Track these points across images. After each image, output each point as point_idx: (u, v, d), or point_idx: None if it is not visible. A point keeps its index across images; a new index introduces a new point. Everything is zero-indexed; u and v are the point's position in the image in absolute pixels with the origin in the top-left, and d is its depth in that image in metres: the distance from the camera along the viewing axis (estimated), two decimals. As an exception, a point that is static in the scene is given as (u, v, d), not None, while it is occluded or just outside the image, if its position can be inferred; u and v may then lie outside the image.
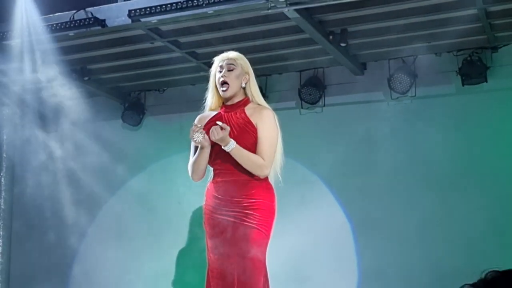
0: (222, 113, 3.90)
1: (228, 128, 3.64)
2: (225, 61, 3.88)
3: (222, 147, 3.67)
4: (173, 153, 7.14)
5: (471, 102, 6.38)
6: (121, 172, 7.39)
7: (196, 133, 3.73)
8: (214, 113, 3.95)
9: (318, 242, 6.48)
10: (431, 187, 6.36)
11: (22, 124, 8.04)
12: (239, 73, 3.86)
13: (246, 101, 3.91)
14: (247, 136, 3.80)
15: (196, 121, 3.98)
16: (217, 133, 3.63)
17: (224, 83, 3.84)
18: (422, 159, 6.43)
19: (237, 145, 3.66)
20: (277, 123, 3.86)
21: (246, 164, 3.71)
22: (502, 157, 6.15)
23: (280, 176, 3.93)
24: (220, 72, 3.87)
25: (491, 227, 6.06)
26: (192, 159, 3.89)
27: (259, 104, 3.92)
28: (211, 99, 3.98)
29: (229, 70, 3.85)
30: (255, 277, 3.67)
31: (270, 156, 3.78)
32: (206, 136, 3.73)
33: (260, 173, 3.74)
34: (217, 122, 3.67)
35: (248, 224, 3.71)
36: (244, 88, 3.91)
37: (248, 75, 3.90)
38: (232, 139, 3.66)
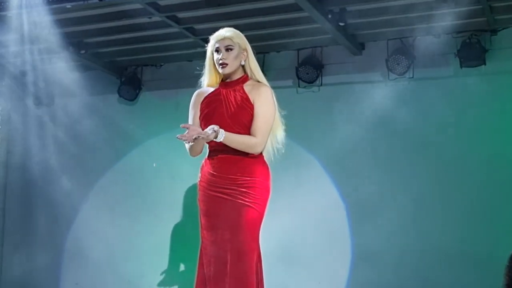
0: (221, 89, 3.89)
1: (209, 133, 3.55)
2: (222, 41, 3.85)
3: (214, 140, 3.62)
4: (169, 128, 7.07)
5: (469, 84, 6.37)
6: (116, 146, 7.38)
7: (185, 142, 3.69)
8: (212, 89, 3.93)
9: (311, 222, 6.50)
10: (426, 169, 6.37)
11: (18, 97, 8.01)
12: (237, 53, 3.83)
13: (245, 78, 3.89)
14: (245, 113, 3.78)
15: (194, 96, 3.97)
16: (203, 138, 3.57)
17: (223, 64, 3.82)
18: (418, 140, 6.43)
19: (227, 133, 3.61)
20: (274, 100, 3.85)
21: (240, 147, 3.70)
22: (499, 139, 6.15)
23: (276, 152, 3.92)
24: (218, 52, 3.85)
25: (487, 209, 6.08)
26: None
27: (258, 81, 3.90)
28: (208, 77, 3.96)
29: (227, 51, 3.83)
30: (248, 255, 3.67)
31: (264, 133, 3.76)
32: (195, 137, 3.68)
33: (253, 151, 3.74)
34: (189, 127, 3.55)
35: (242, 202, 3.70)
36: (245, 66, 3.89)
37: (246, 51, 3.88)
38: (221, 129, 3.61)
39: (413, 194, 6.36)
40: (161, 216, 7.09)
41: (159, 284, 6.90)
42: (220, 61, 3.82)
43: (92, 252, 7.37)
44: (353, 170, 6.58)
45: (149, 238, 7.08)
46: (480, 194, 6.14)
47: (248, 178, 3.72)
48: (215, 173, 3.78)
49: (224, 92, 3.86)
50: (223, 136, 3.64)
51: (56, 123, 7.79)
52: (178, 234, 6.95)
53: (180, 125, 3.64)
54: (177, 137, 3.62)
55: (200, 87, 4.01)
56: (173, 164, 6.70)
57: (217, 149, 3.81)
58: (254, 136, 3.74)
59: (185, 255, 6.73)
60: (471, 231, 6.06)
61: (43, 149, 7.67)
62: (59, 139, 7.69)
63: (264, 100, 3.79)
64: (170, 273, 6.87)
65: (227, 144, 3.66)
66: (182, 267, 6.85)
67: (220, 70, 3.86)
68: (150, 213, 7.18)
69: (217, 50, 3.86)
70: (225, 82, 3.90)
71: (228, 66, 3.81)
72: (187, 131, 3.63)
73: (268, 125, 3.79)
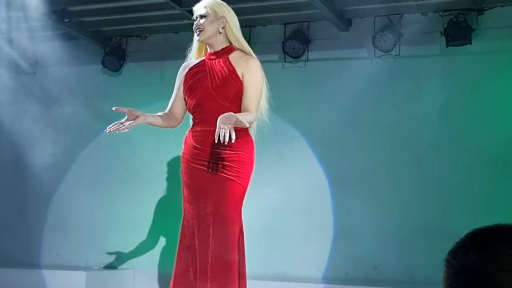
0: (206, 60, 3.87)
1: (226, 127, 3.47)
2: (198, 10, 3.90)
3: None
4: (154, 100, 7.04)
5: (454, 63, 6.37)
6: (99, 117, 7.31)
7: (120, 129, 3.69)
8: (198, 60, 3.93)
9: (294, 198, 6.50)
10: (410, 147, 6.38)
11: (-1, 65, 7.90)
12: (212, 19, 3.85)
13: (230, 49, 3.88)
14: (230, 87, 3.77)
15: (180, 69, 3.98)
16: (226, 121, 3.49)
17: (197, 30, 3.85)
18: (402, 118, 6.43)
19: (237, 116, 3.55)
20: (262, 72, 3.85)
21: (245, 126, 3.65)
22: (483, 118, 6.17)
23: (261, 124, 3.92)
24: (195, 20, 3.89)
25: (469, 187, 6.11)
26: None
27: (244, 53, 3.88)
28: (195, 51, 3.97)
29: (201, 17, 3.85)
30: (230, 228, 3.68)
31: (256, 107, 3.79)
32: (128, 122, 3.71)
33: (249, 127, 3.74)
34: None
35: (225, 175, 3.70)
36: (226, 34, 3.87)
37: (225, 19, 3.86)
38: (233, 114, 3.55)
39: (396, 172, 6.38)
40: (144, 188, 7.06)
41: (140, 255, 6.91)
42: (195, 28, 3.85)
43: (74, 223, 7.34)
44: (337, 146, 6.59)
45: (132, 210, 7.06)
46: (465, 172, 6.17)
47: (231, 152, 3.72)
48: (198, 145, 3.78)
49: (209, 64, 3.85)
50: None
51: (38, 93, 7.70)
52: (162, 206, 6.93)
53: (113, 108, 3.63)
54: (108, 130, 3.64)
55: (186, 59, 4.00)
56: (157, 136, 6.66)
57: (201, 121, 3.81)
58: (246, 109, 3.73)
59: (168, 226, 6.73)
60: (450, 209, 6.10)
61: (25, 119, 7.59)
62: (41, 109, 7.60)
63: (254, 74, 3.79)
64: (152, 244, 6.87)
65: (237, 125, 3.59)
66: (164, 238, 6.85)
67: (196, 38, 3.88)
68: (133, 185, 7.15)
69: (195, 20, 3.90)
70: (210, 53, 3.89)
71: (202, 32, 3.84)
72: (124, 119, 3.64)
73: (259, 99, 3.82)
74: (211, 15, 3.84)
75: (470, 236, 1.29)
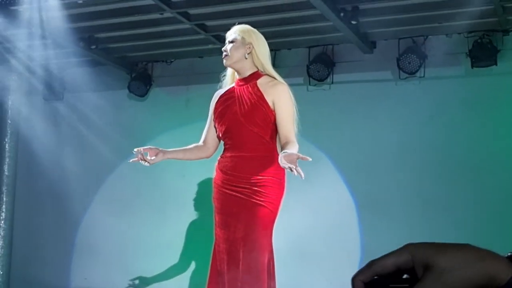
0: (236, 87, 3.91)
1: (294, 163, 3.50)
2: (228, 36, 3.96)
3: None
4: (179, 125, 7.13)
5: (480, 84, 6.35)
6: (126, 142, 7.37)
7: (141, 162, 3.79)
8: (228, 88, 3.97)
9: (322, 220, 6.49)
10: (436, 168, 6.35)
11: (27, 91, 8.03)
12: (239, 44, 3.88)
13: (258, 75, 3.91)
14: (258, 112, 3.80)
15: (212, 99, 4.02)
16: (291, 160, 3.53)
17: (224, 55, 3.90)
18: (428, 140, 6.41)
19: (298, 154, 3.57)
20: (291, 96, 3.89)
21: None
22: (510, 139, 6.13)
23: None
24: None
25: (498, 209, 6.05)
26: None
27: (272, 77, 3.91)
28: (228, 78, 4.03)
29: (230, 43, 3.90)
30: (260, 254, 3.68)
31: (294, 131, 3.83)
32: (150, 158, 3.81)
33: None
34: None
35: (255, 201, 3.71)
36: (253, 61, 3.91)
37: (252, 45, 3.90)
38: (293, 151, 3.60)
39: (423, 193, 6.35)
40: (170, 213, 7.09)
41: (168, 279, 6.91)
42: (223, 53, 3.91)
43: (102, 247, 7.39)
44: (364, 169, 6.57)
45: (159, 235, 7.09)
46: (489, 193, 6.12)
47: (261, 177, 3.73)
48: (229, 171, 3.80)
49: (238, 90, 3.88)
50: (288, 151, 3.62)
51: (66, 119, 7.80)
52: (189, 231, 6.95)
53: (134, 150, 3.74)
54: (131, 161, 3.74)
55: (220, 85, 4.07)
56: (183, 161, 6.68)
57: (231, 147, 3.83)
58: (287, 137, 3.77)
59: (195, 252, 6.74)
60: (483, 232, 6.03)
61: (53, 144, 7.68)
62: (69, 134, 7.70)
63: (284, 100, 3.83)
64: (179, 268, 6.87)
65: None
66: (192, 264, 6.85)
67: (223, 62, 3.94)
68: (159, 209, 7.19)
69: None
70: (239, 79, 3.92)
71: (228, 57, 3.88)
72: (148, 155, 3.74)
73: (294, 124, 3.86)
74: (238, 41, 3.89)
75: None
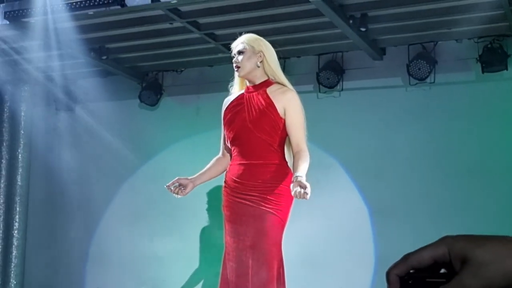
0: (245, 93, 3.92)
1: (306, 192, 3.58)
2: (236, 47, 3.95)
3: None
4: (190, 133, 7.15)
5: (491, 89, 6.33)
6: (137, 151, 7.42)
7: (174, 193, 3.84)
8: (237, 94, 3.99)
9: (334, 227, 6.48)
10: (448, 174, 6.33)
11: (40, 102, 8.08)
12: (250, 54, 3.89)
13: (268, 82, 3.92)
14: (266, 118, 3.81)
15: (223, 106, 4.02)
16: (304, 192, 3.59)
17: (236, 67, 3.90)
18: (439, 146, 6.39)
19: (300, 173, 3.66)
20: (300, 103, 3.90)
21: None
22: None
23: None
24: (234, 57, 3.94)
25: (510, 214, 6.02)
26: None
27: (281, 85, 3.92)
28: (236, 86, 4.03)
29: (239, 54, 3.90)
30: (270, 261, 3.68)
31: (304, 139, 3.85)
32: (183, 188, 3.93)
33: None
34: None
35: (264, 208, 3.71)
36: (264, 68, 3.92)
37: (262, 53, 3.91)
38: (297, 176, 3.64)
39: (435, 200, 6.32)
40: (183, 221, 7.10)
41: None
42: (234, 65, 3.90)
43: (115, 256, 7.41)
44: (374, 175, 6.56)
45: (171, 243, 7.10)
46: (501, 198, 6.09)
47: (270, 185, 3.74)
48: (238, 179, 3.81)
49: (247, 97, 3.89)
50: (304, 178, 3.66)
51: (78, 129, 7.84)
52: (200, 239, 6.96)
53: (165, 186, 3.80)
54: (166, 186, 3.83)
55: (229, 91, 4.08)
56: (194, 169, 6.70)
57: (239, 155, 3.84)
58: (299, 145, 3.79)
59: (207, 260, 6.74)
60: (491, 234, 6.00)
61: (65, 154, 7.73)
62: (81, 144, 7.74)
63: (294, 107, 3.84)
64: (192, 278, 6.88)
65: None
66: (203, 272, 6.86)
67: (236, 74, 3.94)
68: (172, 218, 7.20)
69: (233, 57, 3.95)
70: (249, 86, 3.93)
71: (241, 68, 3.88)
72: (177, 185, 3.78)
73: (304, 130, 3.87)
74: (248, 51, 3.89)
75: None
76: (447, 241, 0.84)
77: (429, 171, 6.40)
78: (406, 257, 0.85)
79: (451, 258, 0.82)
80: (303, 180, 3.59)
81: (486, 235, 0.83)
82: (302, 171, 3.66)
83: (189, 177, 3.98)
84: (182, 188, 3.91)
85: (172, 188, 3.90)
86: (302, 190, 3.50)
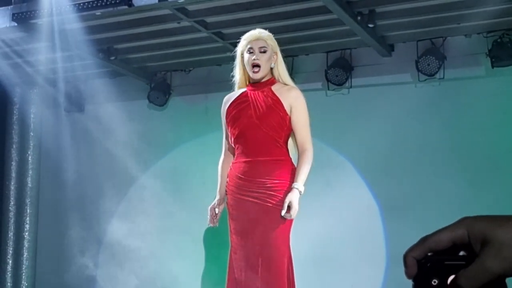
0: (248, 91, 3.88)
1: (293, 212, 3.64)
2: (256, 42, 3.79)
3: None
4: (198, 133, 7.15)
5: (501, 84, 6.28)
6: (146, 152, 7.41)
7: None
8: (239, 92, 3.93)
9: (344, 224, 6.45)
10: (459, 170, 6.29)
11: (49, 104, 8.10)
12: (270, 55, 3.81)
13: (272, 81, 3.88)
14: (274, 115, 3.77)
15: (222, 105, 3.98)
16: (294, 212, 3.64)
17: (256, 65, 3.76)
18: (449, 142, 6.35)
19: (299, 183, 3.69)
20: (304, 100, 3.86)
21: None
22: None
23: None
24: (251, 53, 3.79)
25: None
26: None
27: (285, 83, 3.88)
28: (238, 78, 3.94)
29: (261, 52, 3.77)
30: (279, 259, 3.66)
31: (310, 137, 3.82)
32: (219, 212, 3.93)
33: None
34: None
35: (272, 205, 3.68)
36: (274, 69, 3.87)
37: (276, 54, 3.86)
38: (294, 188, 3.66)
39: (446, 196, 6.28)
40: (192, 221, 7.09)
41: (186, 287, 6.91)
42: (254, 62, 3.76)
43: (127, 256, 7.41)
44: (385, 172, 6.53)
45: (181, 242, 7.10)
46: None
47: (277, 181, 3.71)
48: (243, 176, 3.77)
49: (252, 94, 3.85)
50: (301, 188, 3.67)
51: (87, 130, 7.85)
52: (210, 238, 6.95)
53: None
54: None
55: (233, 89, 4.02)
56: (203, 169, 6.71)
57: (244, 153, 3.80)
58: (303, 145, 3.76)
59: (215, 258, 6.73)
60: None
61: (75, 155, 7.74)
62: (90, 145, 7.75)
63: (301, 107, 3.81)
64: (199, 275, 6.87)
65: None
66: (211, 270, 6.85)
67: (251, 74, 3.80)
68: (181, 218, 7.19)
69: (250, 51, 3.80)
70: (253, 84, 3.88)
71: (260, 69, 3.75)
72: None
73: (309, 129, 3.83)
74: (269, 51, 3.80)
75: None
76: (466, 222, 0.80)
77: (439, 167, 6.37)
78: (424, 239, 0.83)
79: (471, 240, 0.79)
80: (296, 197, 3.61)
81: (506, 215, 0.78)
82: (301, 179, 3.69)
83: (215, 200, 3.94)
84: (219, 213, 3.93)
85: (215, 221, 3.92)
86: (288, 215, 3.58)
